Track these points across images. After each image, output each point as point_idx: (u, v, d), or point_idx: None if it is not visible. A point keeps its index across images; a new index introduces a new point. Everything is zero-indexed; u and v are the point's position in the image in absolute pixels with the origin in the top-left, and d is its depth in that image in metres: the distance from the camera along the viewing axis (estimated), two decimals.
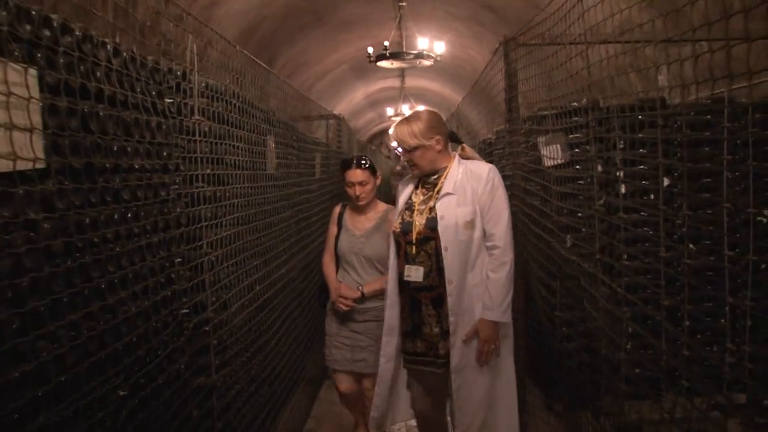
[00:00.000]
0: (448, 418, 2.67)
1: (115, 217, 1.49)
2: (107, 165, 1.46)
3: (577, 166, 2.94)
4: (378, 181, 3.06)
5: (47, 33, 1.25)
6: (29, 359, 1.14)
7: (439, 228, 2.34)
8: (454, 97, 12.15)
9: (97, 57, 1.43)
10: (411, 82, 13.70)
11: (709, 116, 2.89)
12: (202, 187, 2.08)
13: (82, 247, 1.34)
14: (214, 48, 2.24)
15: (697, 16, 1.42)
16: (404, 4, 6.98)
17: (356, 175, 2.96)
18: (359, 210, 3.06)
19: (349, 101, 14.35)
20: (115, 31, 1.54)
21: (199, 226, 2.04)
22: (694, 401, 1.75)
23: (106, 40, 1.46)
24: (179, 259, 1.86)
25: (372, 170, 3.01)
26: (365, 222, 3.04)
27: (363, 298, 2.94)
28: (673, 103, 2.94)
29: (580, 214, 2.76)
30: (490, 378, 2.41)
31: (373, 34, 9.14)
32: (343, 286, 2.98)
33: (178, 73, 1.93)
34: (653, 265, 2.65)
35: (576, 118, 2.68)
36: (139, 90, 1.63)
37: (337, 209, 3.17)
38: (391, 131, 2.52)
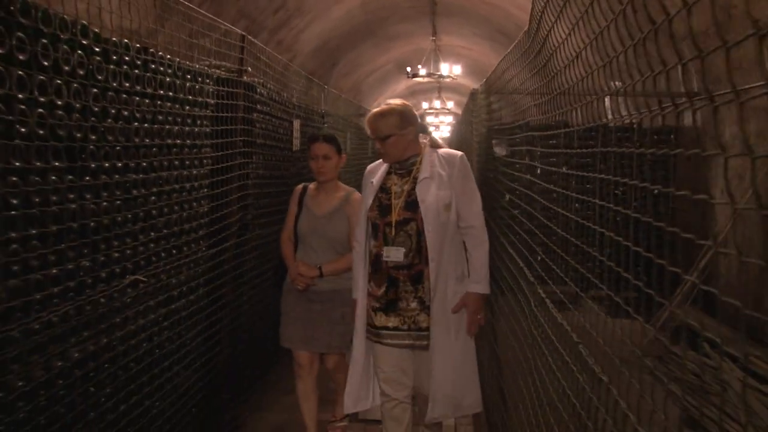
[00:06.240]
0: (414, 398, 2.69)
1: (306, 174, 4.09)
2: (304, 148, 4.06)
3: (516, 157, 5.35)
4: (342, 162, 3.04)
5: (301, 107, 3.86)
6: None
7: (421, 210, 2.43)
8: None
9: (312, 111, 4.04)
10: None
11: (593, 133, 5.25)
12: None
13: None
14: (335, 102, 4.81)
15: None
16: (434, 38, 9.45)
17: (321, 148, 2.94)
18: (321, 191, 3.01)
19: (392, 91, 16.85)
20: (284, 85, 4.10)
21: None
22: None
23: (315, 105, 4.05)
24: None
25: (337, 147, 2.98)
26: (327, 203, 2.98)
27: (321, 277, 2.89)
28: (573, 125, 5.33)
29: (515, 183, 5.19)
30: (460, 347, 2.49)
31: (414, 42, 11.58)
32: (302, 263, 2.91)
33: (321, 111, 4.52)
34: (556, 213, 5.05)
35: (516, 130, 5.10)
36: (314, 118, 4.23)
37: (299, 189, 3.09)
38: (366, 120, 2.62)
